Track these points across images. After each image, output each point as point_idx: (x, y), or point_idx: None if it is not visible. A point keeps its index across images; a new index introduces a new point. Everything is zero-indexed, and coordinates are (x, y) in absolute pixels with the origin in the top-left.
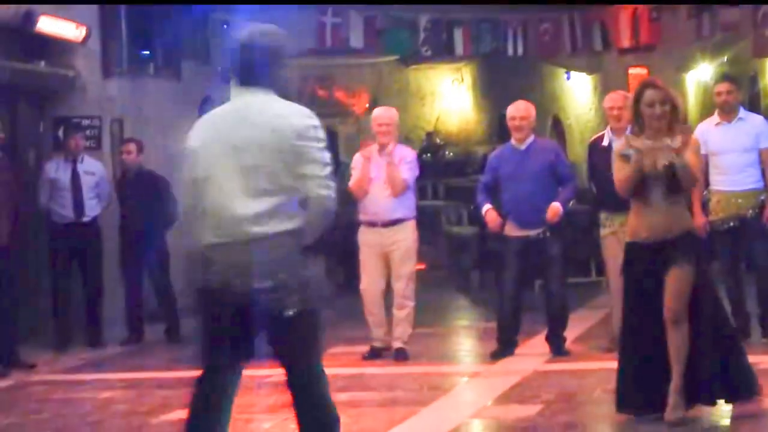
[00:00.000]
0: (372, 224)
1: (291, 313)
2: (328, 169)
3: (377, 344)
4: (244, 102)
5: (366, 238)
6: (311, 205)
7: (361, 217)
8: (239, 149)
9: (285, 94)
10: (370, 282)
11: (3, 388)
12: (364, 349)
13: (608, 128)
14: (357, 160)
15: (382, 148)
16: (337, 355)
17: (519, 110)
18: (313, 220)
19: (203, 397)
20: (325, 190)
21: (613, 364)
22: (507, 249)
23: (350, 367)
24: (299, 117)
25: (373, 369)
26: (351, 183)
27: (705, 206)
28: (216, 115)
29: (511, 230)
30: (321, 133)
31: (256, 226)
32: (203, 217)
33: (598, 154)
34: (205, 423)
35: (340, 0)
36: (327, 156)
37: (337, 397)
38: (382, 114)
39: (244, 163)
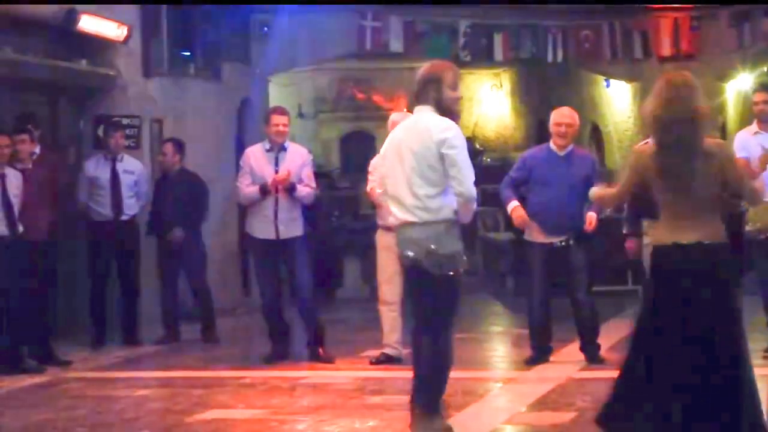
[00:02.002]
0: (389, 228)
1: (434, 275)
2: (466, 170)
3: (389, 351)
4: (413, 118)
5: (384, 241)
6: (456, 198)
7: (379, 221)
8: (403, 155)
9: (444, 111)
10: (387, 288)
11: (39, 384)
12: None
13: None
14: (374, 164)
15: None
16: (364, 359)
17: (564, 117)
18: (461, 210)
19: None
20: (461, 187)
21: None
22: (532, 255)
23: (384, 370)
24: (440, 129)
25: (407, 373)
26: (368, 187)
27: (742, 216)
28: (398, 128)
29: (536, 236)
30: (458, 141)
31: (412, 216)
32: (388, 203)
33: None
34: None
35: (380, 1)
36: (464, 159)
37: (370, 401)
38: None
39: (406, 166)
